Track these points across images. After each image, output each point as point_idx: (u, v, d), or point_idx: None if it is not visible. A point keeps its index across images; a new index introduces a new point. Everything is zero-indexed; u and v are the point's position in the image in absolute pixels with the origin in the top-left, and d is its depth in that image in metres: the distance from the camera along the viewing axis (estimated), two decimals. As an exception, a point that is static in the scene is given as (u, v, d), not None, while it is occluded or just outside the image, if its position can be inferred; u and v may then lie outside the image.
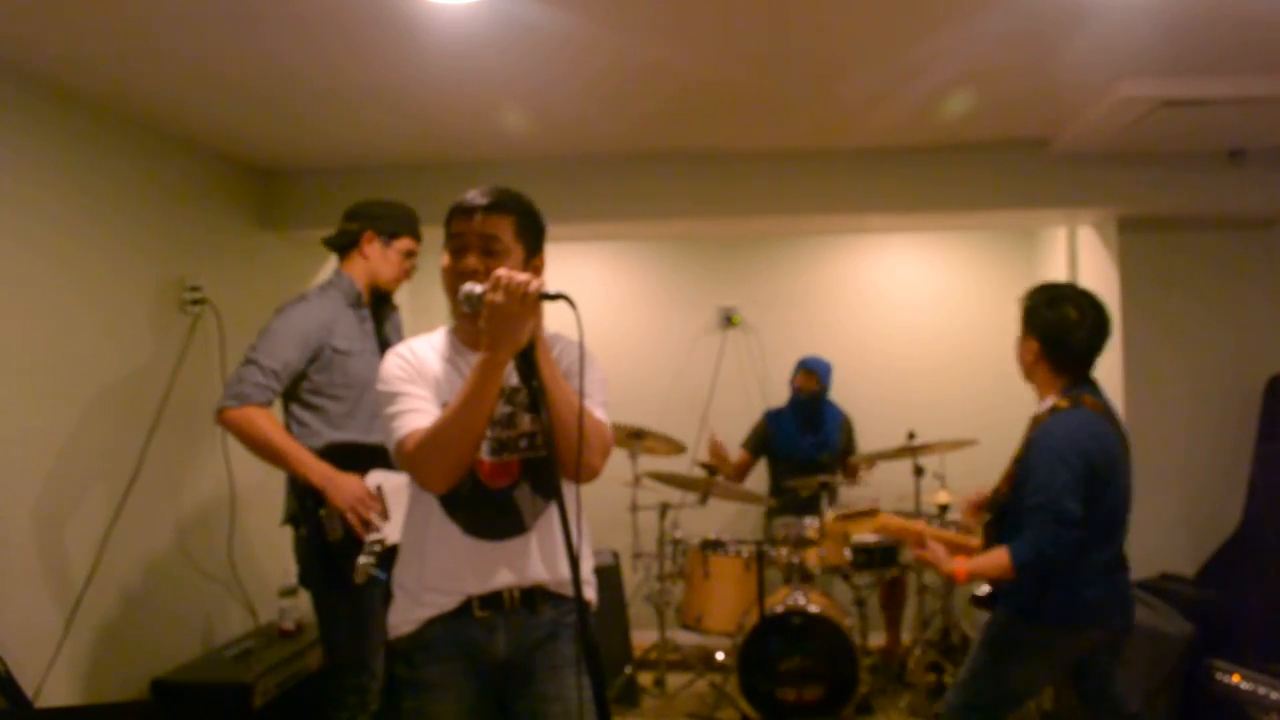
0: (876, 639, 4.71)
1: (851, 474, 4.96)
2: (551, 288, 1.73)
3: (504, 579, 1.90)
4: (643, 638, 4.69)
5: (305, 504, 2.72)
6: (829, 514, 4.07)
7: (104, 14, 2.57)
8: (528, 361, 1.77)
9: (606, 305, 5.45)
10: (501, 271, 1.72)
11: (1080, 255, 4.64)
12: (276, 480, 2.92)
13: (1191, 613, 3.55)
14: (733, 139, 4.00)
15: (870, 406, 5.18)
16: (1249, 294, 4.21)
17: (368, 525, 2.71)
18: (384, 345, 2.99)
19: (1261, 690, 3.20)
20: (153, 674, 3.33)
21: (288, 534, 2.92)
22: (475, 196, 1.89)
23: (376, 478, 2.78)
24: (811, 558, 4.16)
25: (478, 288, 1.76)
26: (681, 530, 4.42)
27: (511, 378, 1.87)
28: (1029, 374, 2.77)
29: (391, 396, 1.88)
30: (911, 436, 4.27)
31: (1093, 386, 2.68)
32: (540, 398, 1.76)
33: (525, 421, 1.92)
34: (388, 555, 2.68)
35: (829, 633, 3.90)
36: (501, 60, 2.99)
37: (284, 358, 2.78)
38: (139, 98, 3.26)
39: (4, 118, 2.92)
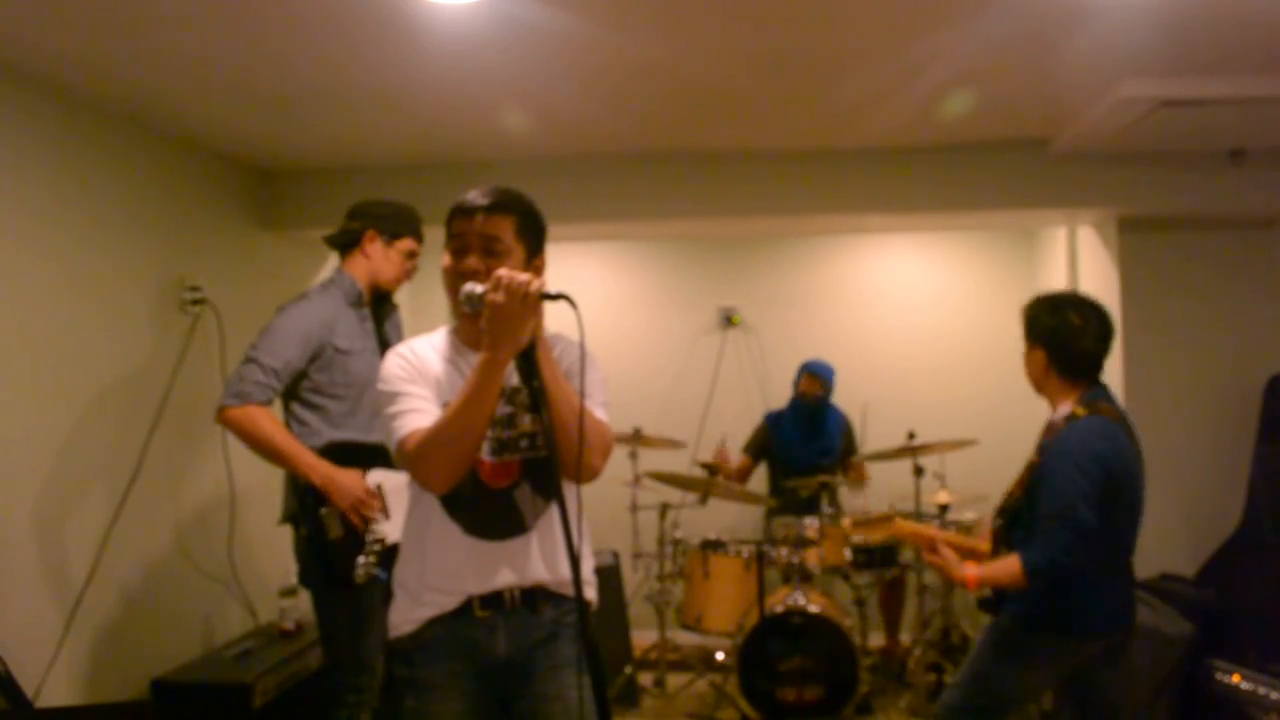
0: (876, 639, 4.71)
1: (853, 476, 4.96)
2: (552, 288, 1.73)
3: (505, 579, 1.90)
4: (643, 638, 4.69)
5: (305, 503, 2.72)
6: (845, 520, 4.08)
7: (104, 14, 2.57)
8: (528, 361, 1.77)
9: (606, 305, 5.45)
10: (502, 271, 1.72)
11: (1080, 255, 4.64)
12: (277, 480, 2.92)
13: (1191, 613, 3.55)
14: (733, 139, 4.00)
15: (870, 406, 5.18)
16: (1249, 294, 4.21)
17: (369, 523, 2.71)
18: (384, 345, 2.99)
19: (1261, 690, 3.20)
20: (153, 674, 3.32)
21: (287, 534, 2.92)
22: (476, 197, 1.89)
23: (376, 476, 2.78)
24: (811, 558, 4.16)
25: (479, 288, 1.76)
26: (681, 530, 4.42)
27: (512, 378, 1.87)
28: (1039, 386, 2.75)
29: (392, 396, 1.88)
30: (911, 436, 4.27)
31: (1107, 394, 2.67)
32: (541, 398, 1.76)
33: (526, 422, 1.92)
34: (388, 554, 2.68)
35: (829, 633, 3.90)
36: (501, 60, 2.99)
37: (285, 356, 2.78)
38: (139, 98, 3.26)
39: (4, 118, 2.92)
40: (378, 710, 2.86)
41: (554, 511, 1.88)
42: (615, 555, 4.51)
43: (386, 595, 2.04)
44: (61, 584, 3.08)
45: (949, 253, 5.44)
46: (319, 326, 2.85)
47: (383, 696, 2.86)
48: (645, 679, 4.53)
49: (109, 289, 3.33)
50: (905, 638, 4.80)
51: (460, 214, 1.89)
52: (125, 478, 3.33)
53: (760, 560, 4.01)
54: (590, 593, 1.95)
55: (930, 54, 2.97)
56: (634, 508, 4.55)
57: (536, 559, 1.92)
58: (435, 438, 1.79)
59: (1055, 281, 4.95)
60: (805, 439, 4.83)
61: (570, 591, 1.88)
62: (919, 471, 4.34)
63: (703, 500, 4.30)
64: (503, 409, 1.89)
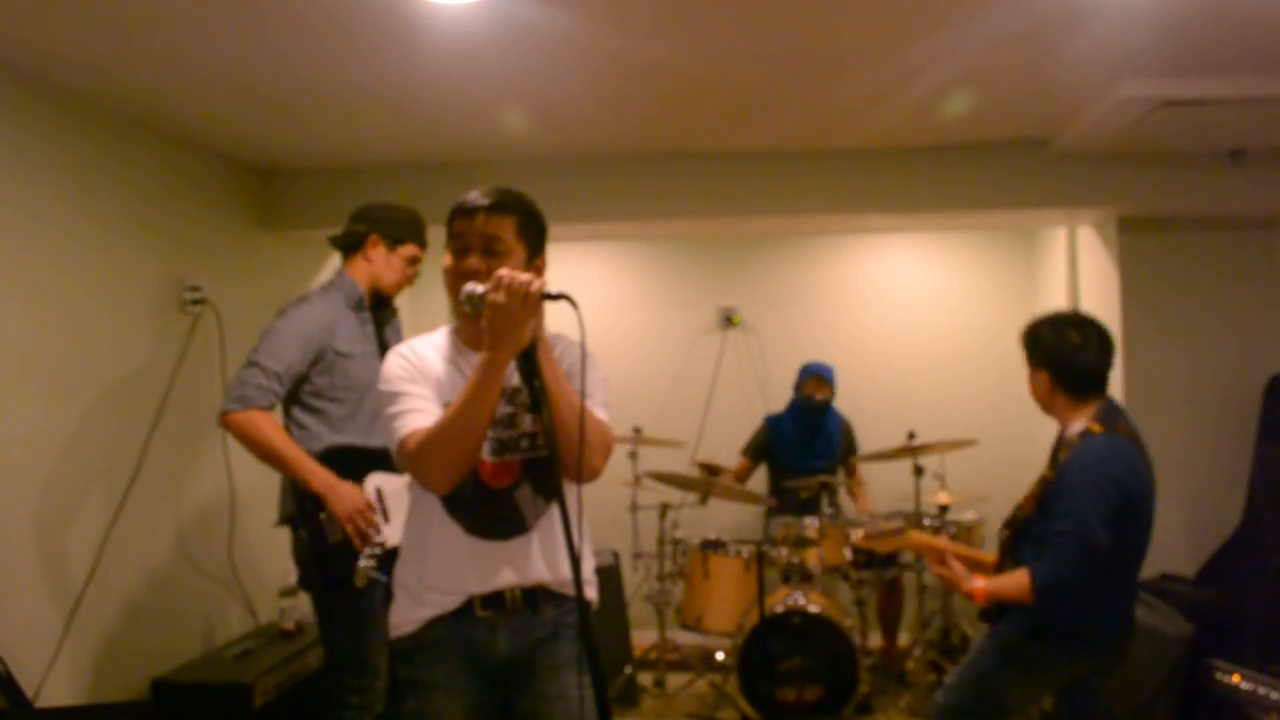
0: (876, 639, 4.71)
1: (851, 474, 4.96)
2: (553, 288, 1.73)
3: (506, 579, 1.90)
4: (643, 638, 4.69)
5: (305, 506, 2.71)
6: (859, 532, 4.08)
7: (104, 14, 2.57)
8: (529, 361, 1.77)
9: (606, 305, 5.45)
10: (503, 271, 1.72)
11: (1080, 255, 4.65)
12: (276, 480, 2.92)
13: (1191, 613, 3.55)
14: (732, 139, 4.00)
15: (870, 406, 5.19)
16: (1249, 294, 4.21)
17: (365, 537, 2.70)
18: (384, 348, 2.99)
19: (1261, 690, 3.20)
20: (153, 674, 3.32)
21: (287, 534, 2.92)
22: (477, 197, 1.89)
23: (376, 480, 2.78)
24: (811, 558, 4.16)
25: (479, 288, 1.76)
26: (681, 530, 4.42)
27: (513, 378, 1.87)
28: (1047, 406, 2.74)
29: (393, 396, 1.88)
30: (911, 436, 4.27)
31: (1123, 412, 2.67)
32: (542, 397, 1.76)
33: (526, 422, 1.92)
34: (388, 557, 2.68)
35: (829, 633, 3.90)
36: (501, 60, 2.99)
37: (286, 360, 2.78)
38: (139, 97, 3.26)
39: (4, 117, 2.92)
40: (382, 712, 2.86)
41: (555, 511, 1.88)
42: (615, 555, 4.51)
43: (387, 597, 2.04)
44: (62, 584, 3.08)
45: (949, 253, 5.44)
46: (320, 330, 2.85)
47: (388, 697, 2.86)
48: (645, 679, 4.53)
49: (109, 289, 3.33)
50: (905, 638, 4.80)
51: (461, 214, 1.89)
52: (125, 478, 3.33)
53: (760, 560, 4.00)
54: (591, 592, 1.95)
55: (930, 54, 2.97)
56: (634, 508, 4.55)
57: (537, 559, 1.92)
58: (436, 438, 1.79)
59: (1055, 281, 4.95)
60: (805, 442, 4.83)
61: (571, 591, 1.88)
62: (919, 471, 4.34)
63: (703, 500, 4.29)
64: (503, 409, 1.89)
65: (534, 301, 1.71)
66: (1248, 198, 3.93)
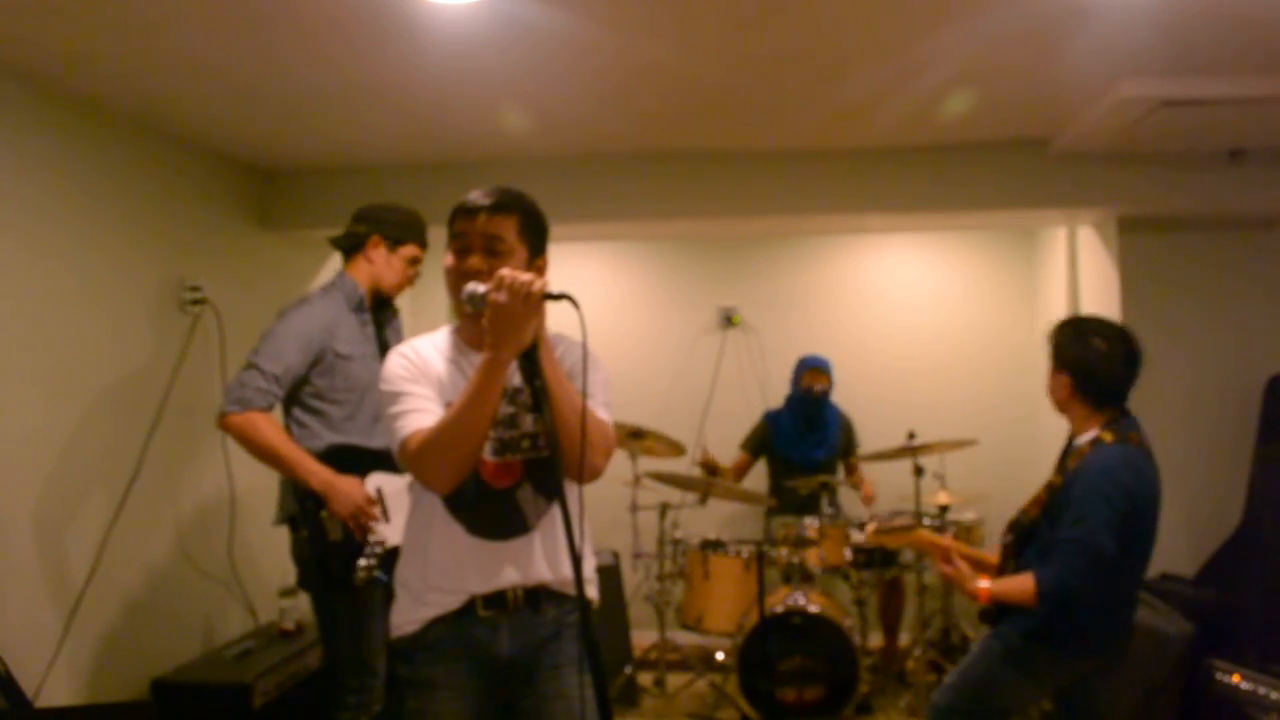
0: (876, 639, 4.71)
1: (852, 473, 4.96)
2: (554, 288, 1.73)
3: (508, 578, 1.90)
4: (643, 638, 4.69)
5: (306, 505, 2.71)
6: (869, 526, 4.08)
7: (104, 13, 2.57)
8: (531, 361, 1.77)
9: (607, 305, 5.45)
10: (505, 271, 1.72)
11: (1080, 255, 4.64)
12: (276, 480, 2.92)
13: (1191, 613, 3.55)
14: (733, 139, 4.00)
15: (870, 406, 5.18)
16: (1249, 294, 4.21)
17: (367, 531, 2.70)
18: (384, 349, 2.98)
19: (1261, 690, 3.19)
20: (153, 674, 3.32)
21: (287, 534, 2.92)
22: (479, 196, 1.89)
23: (376, 480, 2.78)
24: (811, 558, 4.16)
25: (481, 287, 1.76)
26: (681, 530, 4.42)
27: (514, 378, 1.87)
28: (1063, 409, 2.73)
29: (395, 396, 1.88)
30: (911, 436, 4.27)
31: (1136, 422, 2.66)
32: (543, 398, 1.76)
33: (528, 422, 1.92)
34: (388, 557, 2.68)
35: (829, 633, 3.90)
36: (501, 60, 2.99)
37: (286, 362, 2.77)
38: (139, 97, 3.26)
39: (4, 117, 2.92)
40: (381, 712, 2.85)
41: (556, 511, 1.88)
42: (615, 555, 4.51)
43: (387, 596, 2.04)
44: (62, 584, 3.08)
45: (949, 253, 5.44)
46: (320, 331, 2.85)
47: (386, 697, 2.86)
48: (645, 679, 4.53)
49: (109, 289, 3.33)
50: (905, 638, 4.80)
51: (463, 214, 1.89)
52: (125, 478, 3.33)
53: (760, 560, 4.01)
54: (592, 592, 1.95)
55: (930, 54, 2.97)
56: (634, 508, 4.55)
57: (539, 559, 1.92)
58: (438, 438, 1.79)
59: (1055, 281, 4.95)
60: (804, 435, 4.83)
61: (572, 591, 1.88)
62: (919, 471, 4.33)
63: (703, 500, 4.30)
64: (505, 409, 1.89)
65: (536, 301, 1.71)
66: (1248, 198, 3.93)
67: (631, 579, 4.65)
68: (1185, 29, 2.81)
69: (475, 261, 1.86)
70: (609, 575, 4.30)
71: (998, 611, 2.64)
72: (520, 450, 1.92)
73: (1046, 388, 2.77)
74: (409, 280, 3.07)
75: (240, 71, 3.04)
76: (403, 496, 2.76)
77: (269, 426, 2.73)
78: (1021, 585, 2.52)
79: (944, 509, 4.22)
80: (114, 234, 3.36)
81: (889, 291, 5.46)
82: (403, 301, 3.23)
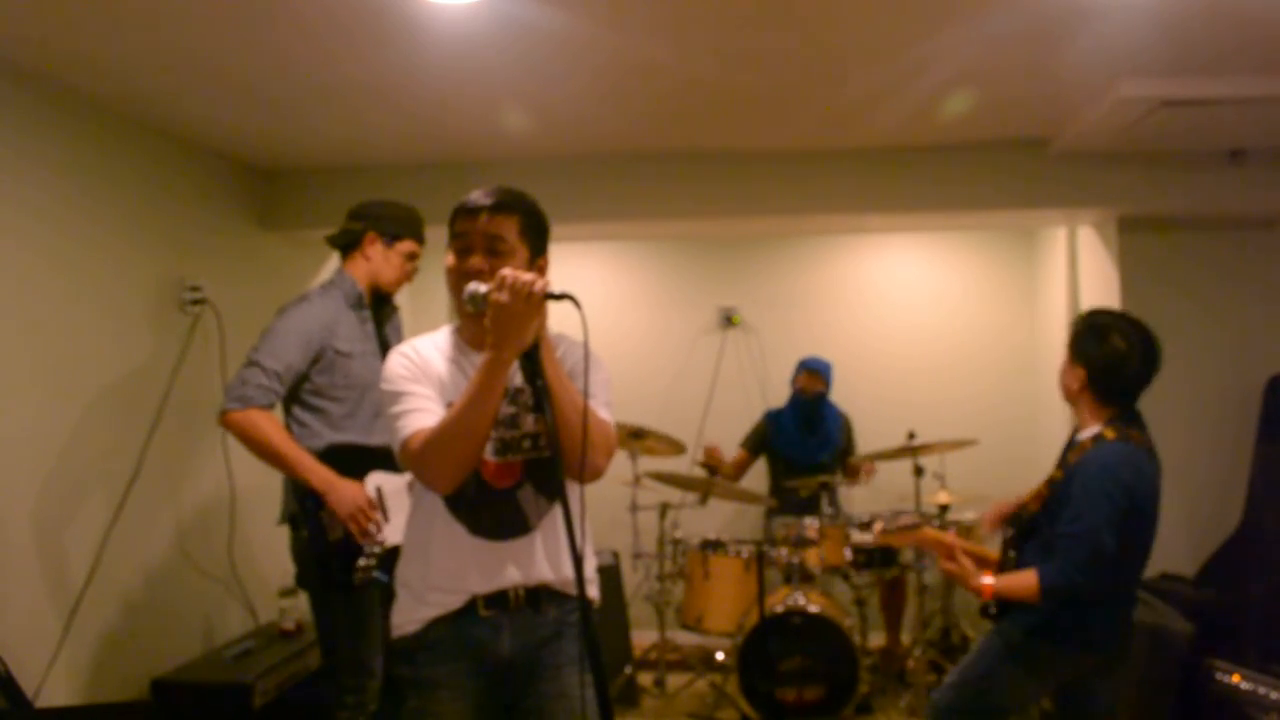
0: (876, 639, 4.71)
1: (852, 474, 4.96)
2: (555, 288, 1.73)
3: (509, 578, 1.90)
4: (643, 638, 4.69)
5: (306, 505, 2.71)
6: (877, 526, 4.09)
7: (105, 14, 2.57)
8: (532, 361, 1.77)
9: (607, 305, 5.45)
10: (507, 271, 1.72)
11: (1080, 255, 4.65)
12: (276, 480, 2.91)
13: (1191, 613, 3.55)
14: (733, 139, 4.00)
15: (870, 406, 5.19)
16: (1249, 294, 4.22)
17: (366, 534, 2.70)
18: (384, 346, 2.99)
19: (1261, 690, 3.20)
20: (153, 674, 3.32)
21: (287, 533, 2.92)
22: (480, 196, 1.89)
23: (376, 479, 2.78)
24: (811, 558, 4.16)
25: (482, 287, 1.76)
26: (681, 530, 4.42)
27: (516, 378, 1.87)
28: (1072, 400, 2.72)
29: (396, 396, 1.88)
30: (911, 436, 4.27)
31: (1140, 420, 2.65)
32: (545, 397, 1.76)
33: (529, 422, 1.92)
34: (387, 557, 2.68)
35: (829, 633, 3.90)
36: (501, 60, 2.99)
37: (286, 360, 2.77)
38: (139, 97, 3.26)
39: (4, 117, 2.92)
40: (376, 711, 2.85)
41: (557, 511, 1.88)
42: (615, 555, 4.51)
43: (386, 597, 2.03)
44: (62, 584, 3.08)
45: (949, 253, 5.44)
46: (320, 329, 2.85)
47: (381, 697, 2.86)
48: (645, 679, 4.53)
49: (109, 289, 3.33)
50: (905, 638, 4.80)
51: (464, 213, 1.89)
52: (125, 478, 3.33)
53: (760, 560, 4.01)
54: (593, 591, 1.95)
55: (930, 54, 2.97)
56: (634, 508, 4.55)
57: (541, 558, 1.92)
58: (439, 438, 1.78)
59: (1055, 281, 4.95)
60: (805, 435, 4.83)
61: (574, 590, 1.88)
62: (919, 471, 4.34)
63: (703, 500, 4.30)
64: (506, 409, 1.89)
65: (537, 301, 1.70)
66: (1248, 198, 3.94)
67: (631, 579, 4.65)
68: (1185, 29, 2.81)
69: (477, 261, 1.86)
70: (609, 575, 4.30)
71: (1000, 608, 2.64)
72: (521, 450, 1.92)
73: (1059, 377, 2.75)
74: (407, 276, 3.07)
75: (240, 71, 3.04)
76: (402, 496, 2.76)
77: (270, 424, 2.73)
78: (1024, 582, 2.53)
79: (944, 509, 4.22)
80: (114, 234, 3.36)
81: (889, 291, 5.46)
82: (403, 300, 3.23)
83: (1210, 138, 3.79)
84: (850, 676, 3.88)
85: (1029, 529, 2.68)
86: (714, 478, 4.44)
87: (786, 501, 4.61)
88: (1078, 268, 4.67)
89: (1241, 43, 2.93)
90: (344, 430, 2.86)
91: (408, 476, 2.65)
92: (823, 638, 3.90)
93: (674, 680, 4.51)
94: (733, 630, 4.06)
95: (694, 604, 4.20)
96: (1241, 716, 3.24)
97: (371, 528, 2.71)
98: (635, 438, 4.40)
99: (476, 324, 1.82)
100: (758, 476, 5.05)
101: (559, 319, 1.81)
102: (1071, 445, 2.70)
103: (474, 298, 1.77)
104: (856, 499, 5.00)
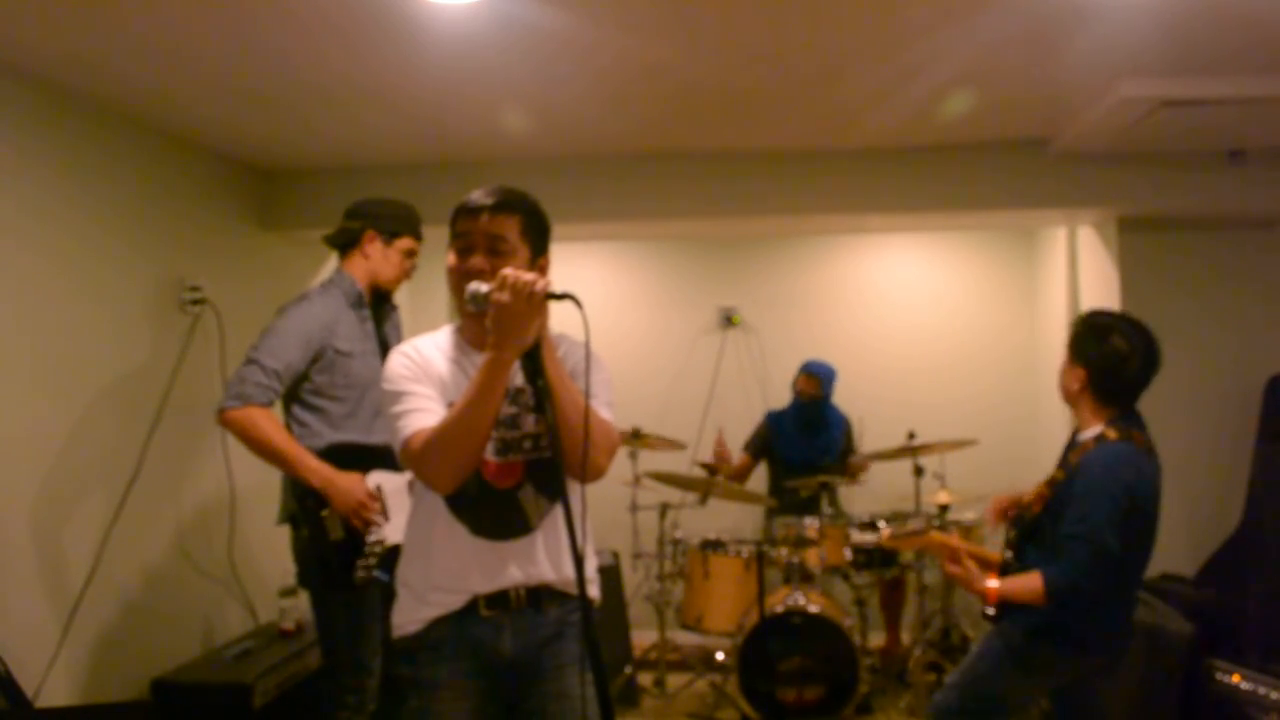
0: (876, 639, 4.71)
1: (852, 474, 4.96)
2: (556, 287, 1.73)
3: (510, 578, 1.90)
4: (643, 638, 4.69)
5: (306, 504, 2.71)
6: (885, 531, 4.09)
7: (105, 14, 2.57)
8: (533, 361, 1.77)
9: (607, 305, 5.45)
10: (508, 271, 1.72)
11: (1080, 255, 4.65)
12: (276, 480, 2.91)
13: (1191, 613, 3.55)
14: (733, 139, 4.00)
15: (870, 406, 5.18)
16: (1249, 294, 4.22)
17: (369, 526, 2.71)
18: (384, 345, 2.99)
19: (1261, 690, 3.20)
20: (153, 674, 3.32)
21: (287, 534, 2.92)
22: (481, 196, 1.89)
23: (377, 478, 2.78)
24: (811, 558, 4.16)
25: (484, 286, 1.76)
26: (681, 530, 4.42)
27: (517, 378, 1.87)
28: (1072, 401, 2.72)
29: (397, 395, 1.88)
30: (911, 436, 4.28)
31: (1140, 420, 2.65)
32: (546, 397, 1.76)
33: (530, 422, 1.92)
34: (388, 556, 2.68)
35: (829, 633, 3.90)
36: (501, 60, 2.99)
37: (286, 358, 2.77)
38: (139, 97, 3.26)
39: (4, 117, 2.92)
40: (375, 711, 2.85)
41: (558, 511, 1.88)
42: (615, 555, 4.51)
43: (387, 596, 2.03)
44: (61, 584, 3.08)
45: (949, 253, 5.44)
46: (320, 328, 2.85)
47: (381, 696, 2.86)
48: (645, 679, 4.53)
49: (108, 289, 3.33)
50: (905, 637, 4.80)
51: (465, 213, 1.90)
52: (125, 478, 3.33)
53: (760, 560, 4.01)
54: (594, 591, 1.95)
55: (930, 54, 2.97)
56: (634, 508, 4.55)
57: (542, 558, 1.92)
58: (440, 438, 1.78)
59: (1055, 281, 4.95)
60: (806, 437, 4.83)
61: (574, 590, 1.88)
62: (919, 471, 4.34)
63: (703, 500, 4.29)
64: (507, 409, 1.89)
65: (538, 301, 1.70)
66: (1248, 198, 3.94)
67: (631, 579, 4.65)
68: (1185, 29, 2.81)
69: (478, 261, 1.86)
70: (609, 575, 4.30)
71: (1000, 610, 2.64)
72: (522, 451, 1.92)
73: (1059, 377, 2.75)
74: (406, 273, 3.07)
75: (240, 71, 3.04)
76: (402, 495, 2.76)
77: (269, 423, 2.73)
78: (1029, 584, 2.52)
79: (944, 509, 4.22)
80: (114, 234, 3.36)
81: (889, 291, 5.46)
82: (402, 299, 3.23)
83: (1210, 138, 3.79)
84: (850, 676, 3.88)
85: (1031, 530, 2.68)
86: (714, 477, 4.43)
87: (786, 501, 4.60)
88: (1078, 268, 4.67)
89: (1242, 43, 2.93)
90: (344, 430, 2.86)
91: (408, 476, 2.65)
92: (823, 638, 3.90)
93: (674, 680, 4.51)
94: (733, 630, 4.06)
95: (694, 604, 4.20)
96: (1241, 716, 3.24)
97: (375, 519, 2.71)
98: (634, 438, 4.40)
99: (478, 324, 1.82)
100: (758, 476, 5.05)
101: (560, 319, 1.81)
102: (1073, 445, 2.70)
103: (475, 297, 1.77)
104: (856, 499, 5.00)
